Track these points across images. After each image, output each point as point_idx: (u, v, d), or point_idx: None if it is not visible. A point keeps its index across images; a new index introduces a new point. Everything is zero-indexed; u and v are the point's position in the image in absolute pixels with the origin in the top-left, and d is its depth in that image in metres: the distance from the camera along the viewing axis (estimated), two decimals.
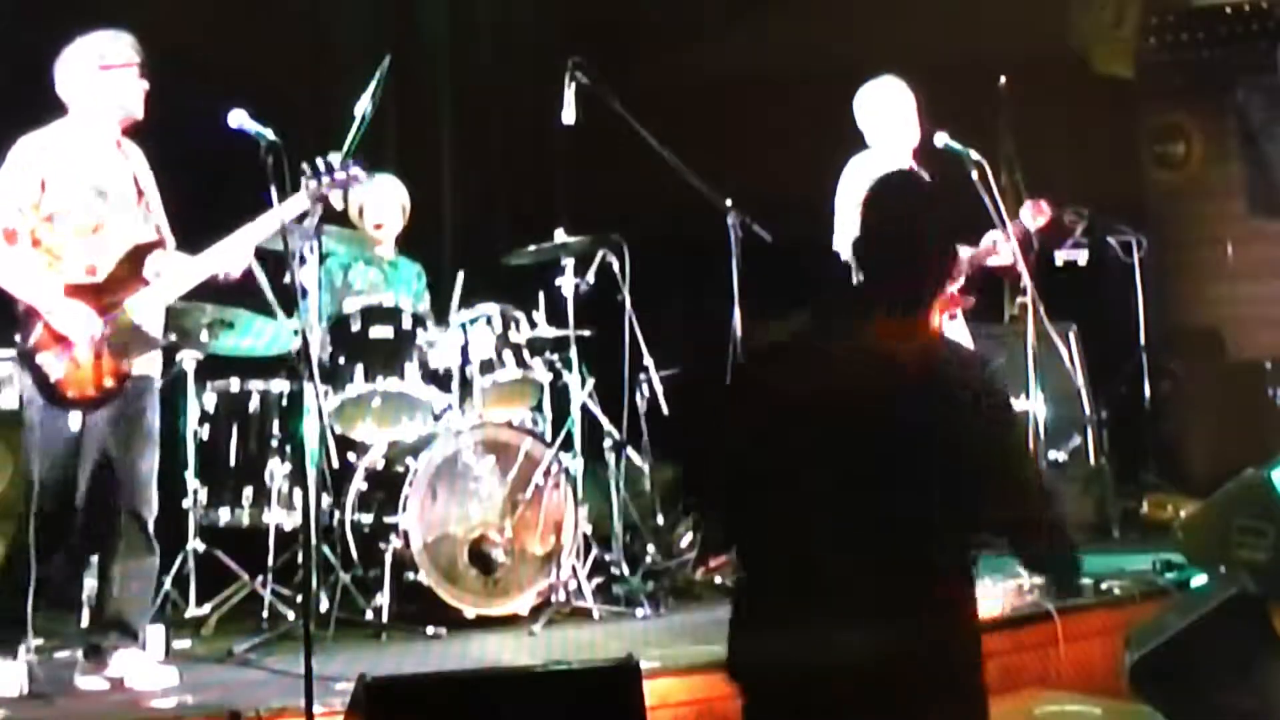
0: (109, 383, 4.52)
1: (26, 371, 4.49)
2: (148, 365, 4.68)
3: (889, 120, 6.01)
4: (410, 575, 5.42)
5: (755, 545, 2.92)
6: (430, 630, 5.27)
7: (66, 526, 4.55)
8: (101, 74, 4.63)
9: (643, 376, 6.29)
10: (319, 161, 4.73)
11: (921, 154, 6.06)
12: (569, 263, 5.92)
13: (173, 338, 4.76)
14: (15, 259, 4.48)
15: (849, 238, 5.85)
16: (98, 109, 4.65)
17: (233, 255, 4.74)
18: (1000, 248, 5.94)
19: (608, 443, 6.06)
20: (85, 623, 5.18)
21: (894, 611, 2.67)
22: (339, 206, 4.99)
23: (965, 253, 5.99)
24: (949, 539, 2.73)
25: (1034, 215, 5.98)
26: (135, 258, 4.62)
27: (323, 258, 5.59)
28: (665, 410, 6.27)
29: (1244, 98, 8.39)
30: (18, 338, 4.53)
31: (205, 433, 5.59)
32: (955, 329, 5.80)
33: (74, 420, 4.49)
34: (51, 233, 4.55)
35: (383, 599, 5.36)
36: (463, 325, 5.78)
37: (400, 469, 5.56)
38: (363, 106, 5.38)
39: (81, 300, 4.50)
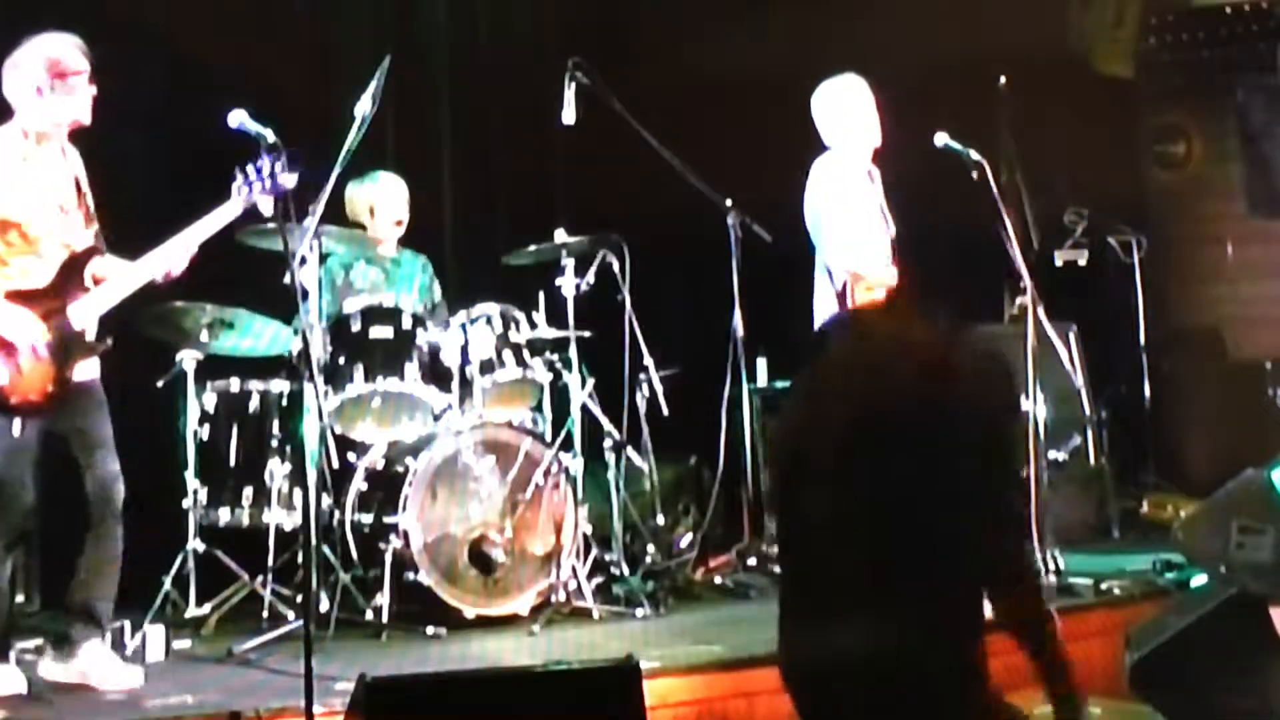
0: (51, 389, 4.51)
1: None
2: (89, 371, 4.65)
3: (848, 119, 6.00)
4: (410, 575, 5.42)
5: (797, 547, 2.93)
6: (430, 630, 5.27)
7: (23, 527, 4.58)
8: (55, 81, 4.58)
9: (643, 376, 6.29)
10: (249, 168, 4.68)
11: (918, 154, 6.06)
12: (569, 263, 5.92)
13: (109, 342, 4.69)
14: None
15: (827, 241, 5.89)
16: (49, 115, 4.62)
17: (171, 258, 4.72)
18: None
19: (608, 443, 6.06)
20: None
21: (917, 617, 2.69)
22: (268, 212, 4.81)
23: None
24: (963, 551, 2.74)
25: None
26: (75, 264, 4.62)
27: (323, 258, 5.60)
28: (665, 410, 6.28)
29: (1244, 98, 8.38)
30: None
31: (205, 433, 5.59)
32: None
33: (16, 426, 4.47)
34: None
35: (383, 599, 5.36)
36: (463, 325, 5.78)
37: (400, 469, 5.56)
38: (363, 106, 5.38)
39: (24, 307, 4.49)
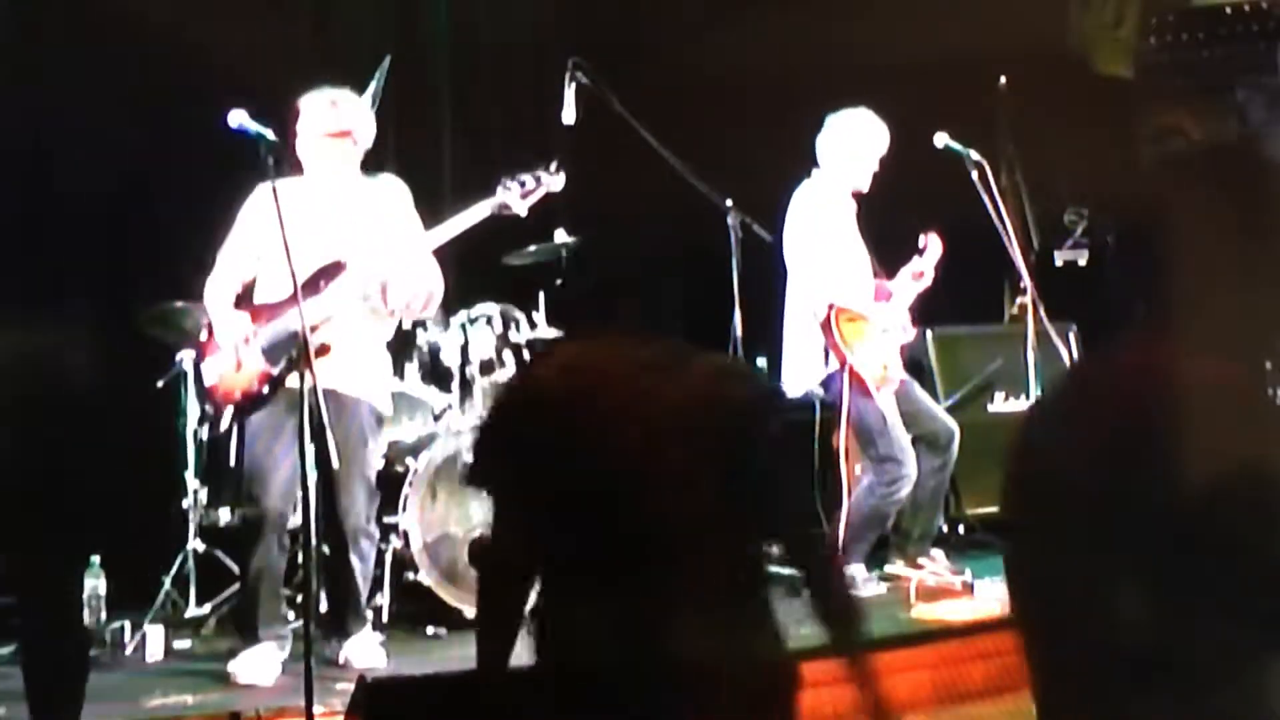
0: (254, 387, 4.75)
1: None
2: (332, 379, 4.63)
3: (856, 155, 5.99)
4: (410, 575, 5.42)
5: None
6: (430, 630, 5.27)
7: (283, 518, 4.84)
8: (320, 133, 4.89)
9: None
10: (524, 177, 5.05)
11: (918, 154, 6.06)
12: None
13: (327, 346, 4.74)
14: (220, 293, 4.85)
15: (808, 272, 5.89)
16: (317, 162, 4.92)
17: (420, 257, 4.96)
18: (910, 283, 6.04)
19: None
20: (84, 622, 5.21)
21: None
22: (522, 214, 5.11)
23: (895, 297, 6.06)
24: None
25: (928, 250, 6.08)
26: (316, 274, 4.75)
27: None
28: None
29: (1244, 98, 8.38)
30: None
31: (205, 433, 5.59)
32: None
33: (227, 419, 4.86)
34: (255, 266, 4.87)
35: (383, 599, 5.36)
36: (463, 325, 5.78)
37: (400, 469, 5.56)
38: None
39: (256, 314, 4.80)
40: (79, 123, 6.19)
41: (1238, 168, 2.03)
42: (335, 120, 4.91)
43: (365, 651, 4.88)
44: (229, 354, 4.78)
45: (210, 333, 4.87)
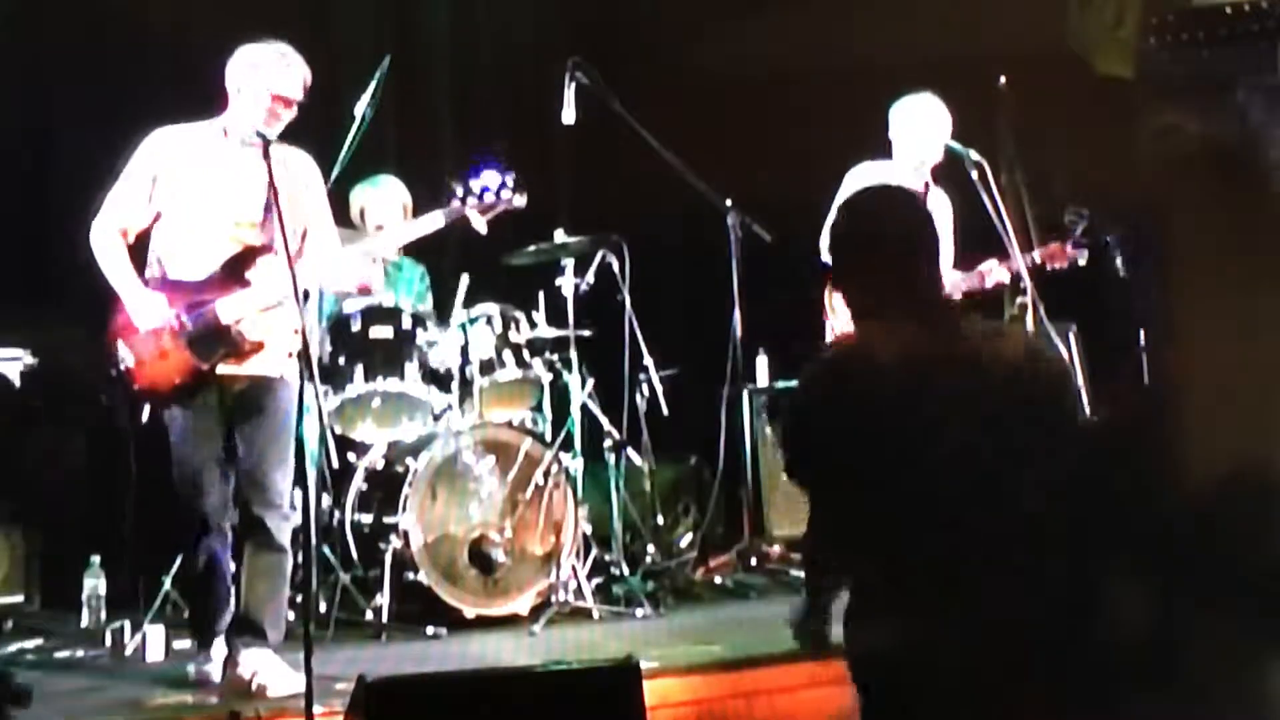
0: (180, 380, 4.50)
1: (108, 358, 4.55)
2: (258, 368, 4.56)
3: (916, 139, 5.96)
4: (410, 575, 5.42)
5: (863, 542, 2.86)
6: (430, 630, 5.28)
7: (205, 513, 4.57)
8: (269, 98, 4.58)
9: (643, 376, 6.30)
10: (471, 181, 4.70)
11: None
12: (569, 263, 5.92)
13: (260, 342, 4.54)
14: (113, 248, 4.57)
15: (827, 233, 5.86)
16: (245, 120, 4.58)
17: (347, 268, 4.73)
18: (992, 274, 5.99)
19: (608, 443, 6.07)
20: (84, 622, 5.22)
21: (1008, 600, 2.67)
22: (482, 230, 4.82)
23: (957, 277, 6.02)
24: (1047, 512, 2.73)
25: (1050, 259, 6.03)
26: (241, 261, 4.55)
27: None
28: (665, 410, 6.28)
29: (1244, 98, 8.38)
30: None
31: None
32: None
33: (145, 414, 4.57)
34: (159, 229, 4.60)
35: (383, 599, 5.36)
36: (463, 325, 5.78)
37: (400, 469, 5.56)
38: (363, 106, 5.39)
39: (175, 296, 4.51)
40: (76, 121, 6.19)
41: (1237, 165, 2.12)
42: (289, 85, 4.62)
43: (264, 665, 4.47)
44: (150, 341, 4.51)
45: (123, 312, 4.56)
